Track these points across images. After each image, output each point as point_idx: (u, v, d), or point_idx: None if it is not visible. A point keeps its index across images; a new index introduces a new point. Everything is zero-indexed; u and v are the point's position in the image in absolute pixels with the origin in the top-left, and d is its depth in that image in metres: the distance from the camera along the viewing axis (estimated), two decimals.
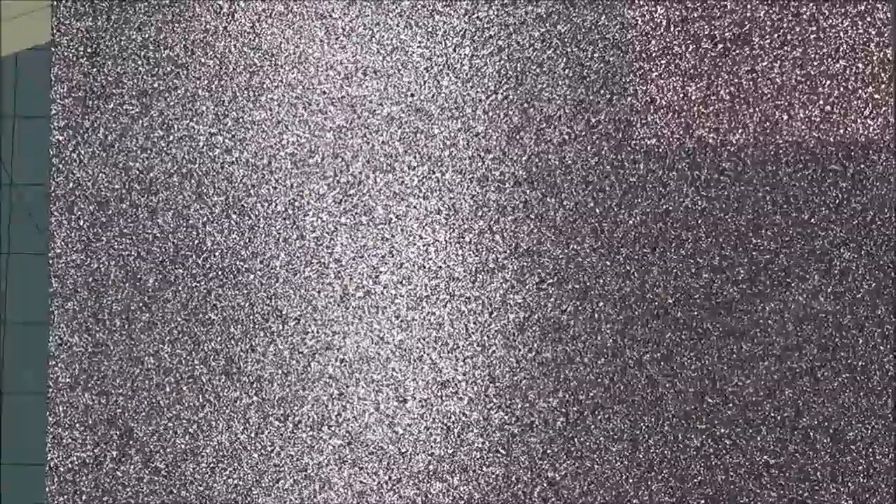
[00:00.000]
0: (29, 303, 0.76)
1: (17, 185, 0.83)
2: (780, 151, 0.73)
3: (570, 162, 0.73)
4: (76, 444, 0.71)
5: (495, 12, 0.74)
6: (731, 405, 0.72)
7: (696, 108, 0.71)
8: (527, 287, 0.72)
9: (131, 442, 0.71)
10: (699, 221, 0.73)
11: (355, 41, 0.74)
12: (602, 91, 0.73)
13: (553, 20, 0.74)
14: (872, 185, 0.73)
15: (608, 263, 0.72)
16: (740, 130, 0.73)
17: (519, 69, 0.74)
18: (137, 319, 0.72)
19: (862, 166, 0.73)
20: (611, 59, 0.74)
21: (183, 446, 0.71)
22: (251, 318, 0.72)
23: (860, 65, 0.74)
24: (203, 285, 0.72)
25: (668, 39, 0.73)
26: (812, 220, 0.73)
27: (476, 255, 0.73)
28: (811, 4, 0.74)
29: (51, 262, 0.72)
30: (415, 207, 0.73)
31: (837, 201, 0.73)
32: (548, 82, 0.73)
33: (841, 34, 0.74)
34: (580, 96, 0.73)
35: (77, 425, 0.71)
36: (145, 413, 0.72)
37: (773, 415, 0.71)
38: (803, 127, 0.73)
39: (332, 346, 0.72)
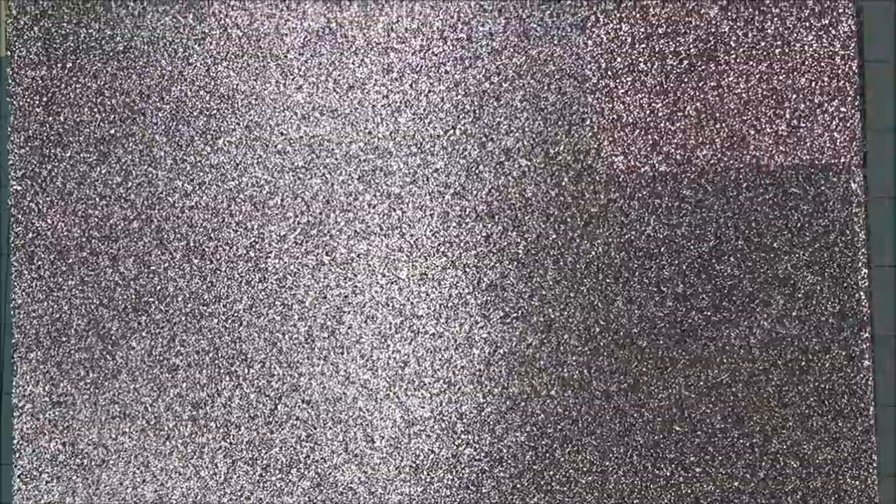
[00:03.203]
0: None
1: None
2: (741, 176, 0.73)
3: (529, 195, 0.73)
4: (42, 495, 0.71)
5: (450, 47, 0.74)
6: (699, 433, 0.71)
7: (662, 125, 0.72)
8: (491, 322, 0.72)
9: (99, 491, 0.71)
10: (661, 249, 0.73)
11: (311, 81, 0.74)
12: (560, 122, 0.73)
13: (508, 53, 0.74)
14: (834, 207, 0.73)
15: (572, 295, 0.72)
16: (707, 146, 0.73)
17: (476, 103, 0.74)
18: (102, 367, 0.72)
19: (823, 188, 0.73)
20: (567, 90, 0.74)
21: (151, 494, 0.71)
22: (216, 362, 0.72)
23: (825, 78, 0.74)
24: (167, 331, 0.72)
25: (633, 56, 0.74)
26: (774, 244, 0.73)
27: (439, 292, 0.72)
28: (776, 19, 0.74)
29: (13, 312, 0.72)
30: (376, 245, 0.73)
31: (799, 225, 0.73)
32: (505, 115, 0.73)
33: (806, 48, 0.74)
34: (538, 128, 0.73)
35: (43, 476, 0.71)
36: (112, 461, 0.71)
37: (741, 441, 0.71)
38: (770, 141, 0.73)
39: (299, 387, 0.72)
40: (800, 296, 0.72)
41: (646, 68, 0.74)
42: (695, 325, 0.72)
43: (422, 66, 0.74)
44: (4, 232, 0.73)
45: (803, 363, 0.72)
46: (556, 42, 0.74)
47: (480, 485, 0.71)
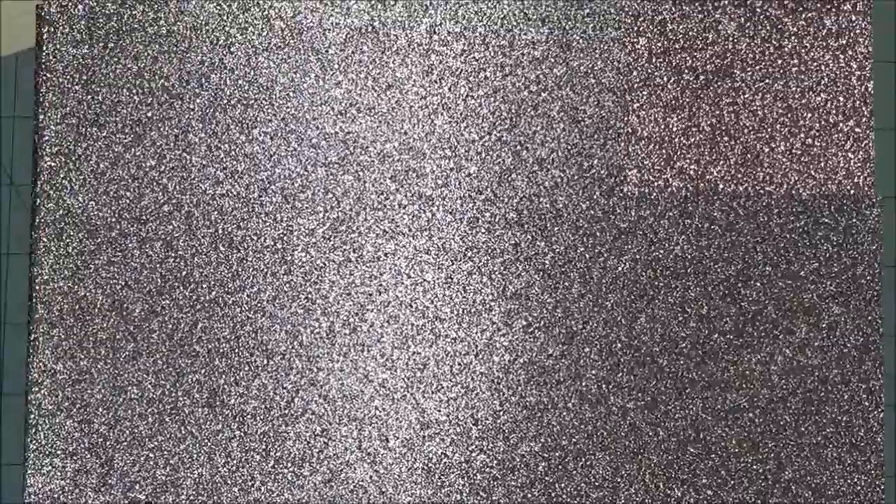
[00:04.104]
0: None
1: (17, 185, 0.83)
2: (773, 202, 0.73)
3: (560, 206, 0.73)
4: (56, 471, 0.71)
5: (492, 53, 0.74)
6: (713, 456, 0.71)
7: (676, 140, 0.72)
8: (513, 330, 0.72)
9: (111, 471, 0.71)
10: (688, 270, 0.73)
11: (351, 77, 0.74)
12: (596, 136, 0.73)
13: (549, 63, 0.74)
14: (863, 240, 0.73)
15: (595, 309, 0.72)
16: (721, 163, 0.73)
17: (513, 111, 0.74)
18: (122, 349, 0.72)
19: (854, 220, 0.73)
20: (606, 103, 0.74)
21: (163, 477, 0.71)
22: (236, 351, 0.72)
23: (841, 98, 0.74)
24: (189, 317, 0.72)
25: (649, 71, 0.73)
26: (801, 272, 0.73)
27: (463, 296, 0.72)
28: (793, 38, 0.74)
29: (37, 288, 0.72)
30: (404, 246, 0.73)
31: (828, 255, 0.73)
32: (541, 125, 0.73)
33: (822, 67, 0.74)
34: (573, 140, 0.73)
35: (58, 452, 0.71)
36: (127, 443, 0.71)
37: (755, 467, 0.71)
38: (784, 159, 0.73)
39: (317, 382, 0.72)
40: (823, 326, 0.72)
41: (662, 83, 0.74)
42: (716, 347, 0.72)
43: (462, 70, 0.74)
44: (4, 231, 0.73)
45: (822, 393, 0.72)
46: (597, 55, 0.74)
47: (491, 492, 0.71)
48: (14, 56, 0.84)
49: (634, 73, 0.73)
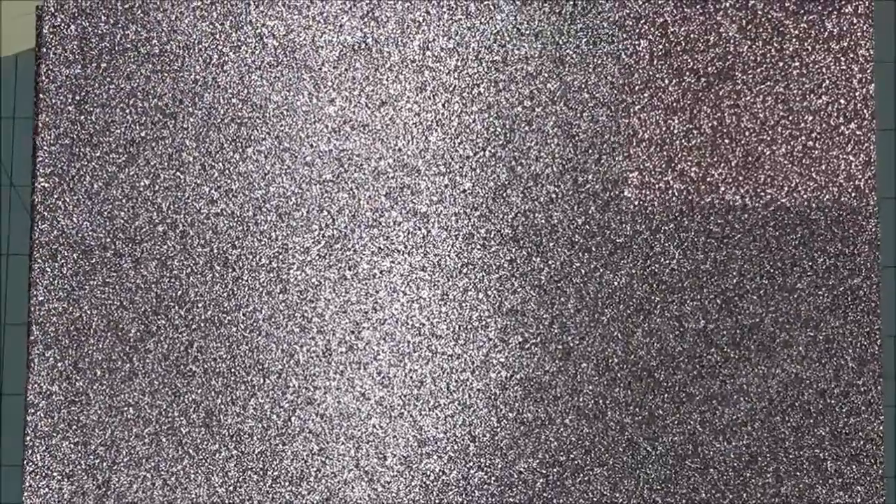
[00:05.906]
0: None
1: (17, 186, 0.82)
2: (769, 214, 0.73)
3: (556, 221, 0.73)
4: (53, 493, 0.71)
5: (485, 69, 0.74)
6: (712, 470, 0.71)
7: (678, 143, 0.72)
8: (510, 346, 0.72)
9: (108, 492, 0.71)
10: (685, 284, 0.72)
11: (344, 95, 0.74)
12: (590, 150, 0.73)
13: (543, 78, 0.74)
14: (861, 251, 0.73)
15: (592, 324, 0.72)
16: (722, 165, 0.73)
17: (507, 126, 0.73)
18: (118, 369, 0.72)
19: (850, 232, 0.73)
20: (600, 118, 0.73)
21: (161, 498, 0.71)
22: (232, 370, 0.72)
23: (842, 100, 0.74)
24: (185, 336, 0.72)
25: (650, 73, 0.73)
26: (798, 285, 0.72)
27: (459, 313, 0.72)
28: (794, 40, 0.74)
29: (32, 309, 0.72)
30: (399, 263, 0.72)
31: (825, 267, 0.72)
32: (536, 140, 0.73)
33: (824, 70, 0.74)
34: (568, 155, 0.73)
35: (55, 474, 0.71)
36: (124, 463, 0.71)
37: (753, 481, 0.71)
38: (785, 162, 0.73)
39: (313, 400, 0.72)
40: (821, 338, 0.72)
41: (663, 85, 0.73)
42: (714, 361, 0.72)
43: (455, 86, 0.74)
44: (5, 232, 0.73)
45: (820, 406, 0.72)
46: (591, 70, 0.74)
47: None
48: (14, 56, 0.84)
49: (635, 75, 0.73)
